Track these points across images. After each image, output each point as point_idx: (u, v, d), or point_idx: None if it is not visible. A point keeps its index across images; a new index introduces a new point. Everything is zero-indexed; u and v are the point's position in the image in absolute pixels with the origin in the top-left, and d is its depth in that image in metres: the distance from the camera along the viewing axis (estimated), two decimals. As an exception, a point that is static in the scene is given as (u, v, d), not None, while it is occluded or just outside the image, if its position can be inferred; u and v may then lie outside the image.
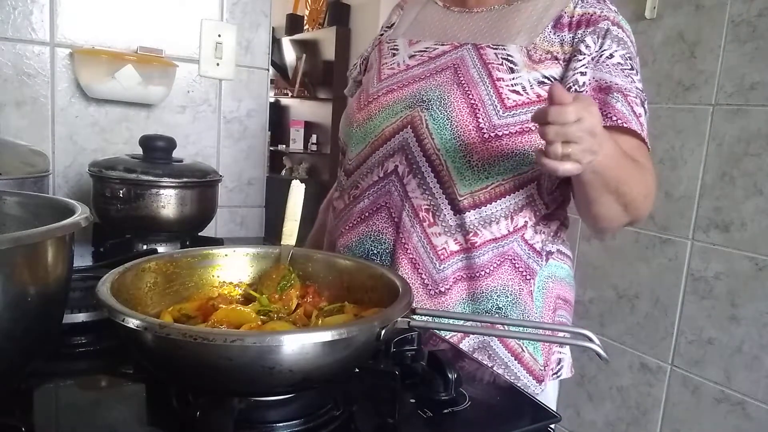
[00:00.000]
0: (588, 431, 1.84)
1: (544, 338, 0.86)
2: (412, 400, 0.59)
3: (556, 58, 0.81)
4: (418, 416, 0.56)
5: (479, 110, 0.80)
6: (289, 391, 0.53)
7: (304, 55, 4.33)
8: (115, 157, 1.07)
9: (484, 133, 0.79)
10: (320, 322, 0.63)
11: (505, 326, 0.82)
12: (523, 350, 0.85)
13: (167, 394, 0.56)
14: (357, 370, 0.56)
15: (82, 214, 0.53)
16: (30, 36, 1.16)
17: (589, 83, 0.79)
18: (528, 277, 0.84)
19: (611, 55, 0.79)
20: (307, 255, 0.74)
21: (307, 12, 4.51)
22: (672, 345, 1.60)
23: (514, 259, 0.83)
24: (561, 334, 0.75)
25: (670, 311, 1.60)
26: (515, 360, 0.85)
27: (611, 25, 0.80)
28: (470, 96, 0.81)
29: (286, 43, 4.61)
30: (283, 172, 4.61)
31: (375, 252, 0.87)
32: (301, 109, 4.53)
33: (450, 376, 0.59)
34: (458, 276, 0.83)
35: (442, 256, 0.83)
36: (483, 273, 0.82)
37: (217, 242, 1.16)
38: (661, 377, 1.63)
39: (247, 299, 0.69)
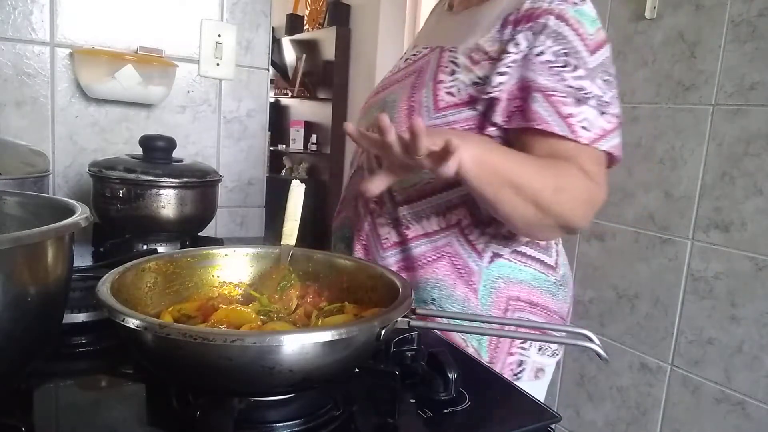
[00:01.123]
0: (588, 431, 1.84)
1: (544, 338, 0.86)
2: (412, 400, 0.59)
3: (492, 58, 0.79)
4: (418, 416, 0.56)
5: (414, 111, 0.83)
6: (289, 391, 0.53)
7: (304, 55, 4.33)
8: (115, 157, 1.07)
9: None
10: (320, 322, 0.63)
11: (504, 327, 0.83)
12: (467, 345, 0.85)
13: (167, 394, 0.56)
14: (357, 370, 0.56)
15: (82, 214, 0.54)
16: (30, 36, 1.16)
17: (516, 83, 0.76)
18: (464, 274, 0.84)
19: (541, 53, 0.74)
20: (307, 255, 0.74)
21: (307, 12, 4.51)
22: (672, 345, 1.60)
23: (453, 257, 0.84)
24: (560, 333, 0.75)
25: (670, 311, 1.60)
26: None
27: (553, 20, 0.74)
28: (412, 98, 0.84)
29: (286, 43, 4.61)
30: (283, 172, 4.60)
31: (347, 236, 0.96)
32: (301, 109, 4.53)
33: (450, 376, 0.59)
34: (399, 266, 0.88)
35: (384, 246, 0.89)
36: (417, 265, 0.85)
37: (217, 242, 1.16)
38: (661, 377, 1.63)
39: (247, 299, 0.69)
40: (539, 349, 0.89)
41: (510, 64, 0.76)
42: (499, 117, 0.77)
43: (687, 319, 1.56)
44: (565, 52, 0.74)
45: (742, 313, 1.44)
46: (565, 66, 0.74)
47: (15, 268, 0.45)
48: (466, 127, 0.80)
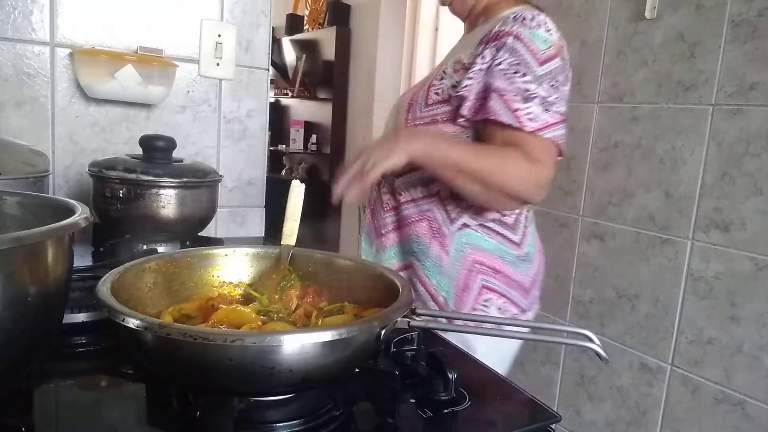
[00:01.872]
0: (588, 431, 1.84)
1: (544, 338, 0.86)
2: (412, 400, 0.59)
3: (466, 68, 0.99)
4: (418, 416, 0.56)
5: (413, 106, 1.06)
6: (289, 391, 0.53)
7: (304, 55, 4.33)
8: (115, 157, 1.07)
9: (409, 122, 1.06)
10: (320, 322, 0.63)
11: (505, 326, 0.83)
12: (438, 294, 1.03)
13: (167, 394, 0.56)
14: (357, 370, 0.56)
15: (82, 214, 0.54)
16: (30, 36, 1.16)
17: (480, 86, 0.96)
18: (437, 235, 1.04)
19: (499, 63, 0.94)
20: (307, 255, 0.74)
21: (307, 12, 4.51)
22: (672, 345, 1.60)
23: (432, 220, 1.04)
24: (560, 333, 0.75)
25: (670, 311, 1.60)
26: (431, 300, 1.04)
27: (511, 39, 0.95)
28: (413, 97, 1.07)
29: (286, 43, 4.61)
30: (283, 172, 4.61)
31: (362, 205, 1.18)
32: (301, 109, 4.53)
33: (450, 376, 0.59)
34: (393, 226, 1.09)
35: (385, 209, 1.10)
36: (405, 223, 1.06)
37: (217, 242, 1.16)
38: (661, 377, 1.63)
39: (247, 299, 0.69)
40: (498, 309, 1.03)
41: (477, 71, 0.97)
42: (466, 111, 0.98)
43: (687, 319, 1.56)
44: (517, 63, 0.94)
45: (742, 313, 1.44)
46: (516, 73, 0.94)
47: (15, 268, 0.45)
48: (445, 118, 1.01)
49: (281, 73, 4.61)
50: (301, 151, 4.41)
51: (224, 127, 1.39)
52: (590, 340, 0.56)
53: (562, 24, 1.94)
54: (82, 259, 1.04)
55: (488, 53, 0.96)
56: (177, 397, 0.55)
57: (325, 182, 4.08)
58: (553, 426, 0.58)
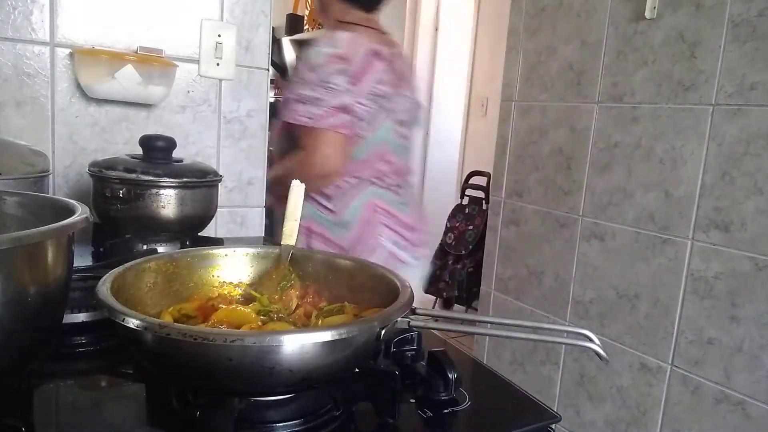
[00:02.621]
0: (588, 431, 1.84)
1: (544, 338, 0.86)
2: (412, 400, 0.59)
3: None
4: (418, 416, 0.56)
5: None
6: (289, 391, 0.53)
7: (304, 55, 4.33)
8: (115, 157, 1.07)
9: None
10: (320, 322, 0.63)
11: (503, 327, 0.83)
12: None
13: (167, 394, 0.56)
14: (357, 370, 0.56)
15: (82, 214, 0.54)
16: (30, 36, 1.16)
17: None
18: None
19: (294, 82, 1.24)
20: (307, 255, 0.74)
21: (307, 12, 4.51)
22: (672, 345, 1.60)
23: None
24: (561, 333, 0.75)
25: (670, 311, 1.60)
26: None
27: (299, 61, 1.21)
28: None
29: (286, 43, 4.61)
30: (283, 172, 4.61)
31: None
32: (301, 109, 4.52)
33: (450, 376, 0.59)
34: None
35: None
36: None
37: (217, 242, 1.16)
38: (661, 377, 1.63)
39: (247, 299, 0.69)
40: (393, 243, 1.30)
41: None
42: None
43: (687, 319, 1.56)
44: (298, 77, 1.23)
45: (742, 313, 1.44)
46: (301, 83, 1.21)
47: (15, 268, 0.45)
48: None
49: (281, 73, 4.61)
50: (301, 151, 4.41)
51: (224, 127, 1.39)
52: (590, 340, 0.56)
53: (561, 24, 1.94)
54: (82, 259, 1.04)
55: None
56: (177, 397, 0.55)
57: (325, 182, 4.08)
58: (553, 426, 0.58)
